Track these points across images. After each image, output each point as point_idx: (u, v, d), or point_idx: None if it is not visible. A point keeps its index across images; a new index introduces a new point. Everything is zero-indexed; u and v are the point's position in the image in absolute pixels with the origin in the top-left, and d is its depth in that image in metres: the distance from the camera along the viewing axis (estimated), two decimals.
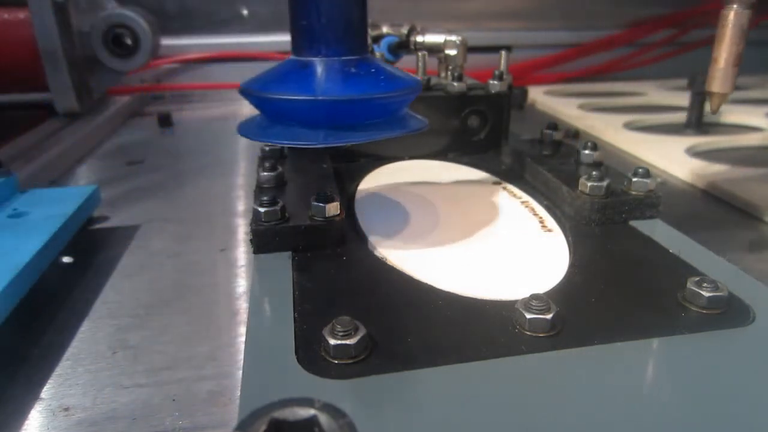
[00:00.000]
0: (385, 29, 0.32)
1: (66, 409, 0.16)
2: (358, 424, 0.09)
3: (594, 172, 0.18)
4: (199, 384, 0.16)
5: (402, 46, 0.30)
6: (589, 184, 0.18)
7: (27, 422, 0.15)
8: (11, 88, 0.46)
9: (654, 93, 0.58)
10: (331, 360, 0.12)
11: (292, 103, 0.14)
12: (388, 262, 0.16)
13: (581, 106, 0.53)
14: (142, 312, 0.21)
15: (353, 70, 0.15)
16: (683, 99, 0.45)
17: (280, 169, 0.20)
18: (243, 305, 0.21)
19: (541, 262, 0.16)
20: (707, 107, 0.43)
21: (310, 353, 0.12)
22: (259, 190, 0.19)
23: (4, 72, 0.44)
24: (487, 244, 0.17)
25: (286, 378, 0.11)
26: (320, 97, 0.14)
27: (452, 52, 0.27)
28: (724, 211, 0.30)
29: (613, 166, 0.22)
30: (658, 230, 0.18)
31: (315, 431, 0.09)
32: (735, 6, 0.19)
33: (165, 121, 0.50)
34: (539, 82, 0.66)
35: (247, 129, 0.16)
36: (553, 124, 0.25)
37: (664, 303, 0.14)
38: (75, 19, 0.45)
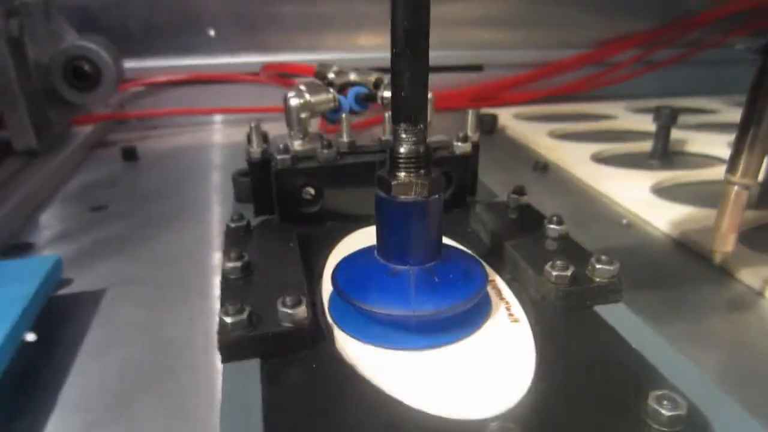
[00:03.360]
0: (352, 76, 0.32)
1: None
2: None
3: (558, 261, 0.18)
4: None
5: (369, 99, 0.30)
6: (555, 273, 0.18)
7: None
8: None
9: (623, 116, 0.59)
10: None
11: (392, 317, 0.17)
12: (358, 371, 0.16)
13: (550, 133, 0.53)
14: (112, 401, 0.20)
15: (436, 279, 0.17)
16: (651, 123, 0.46)
17: (246, 257, 0.19)
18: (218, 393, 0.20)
19: (509, 367, 0.16)
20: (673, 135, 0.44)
21: None
22: (225, 283, 0.19)
23: None
24: (457, 343, 0.17)
25: None
26: (417, 313, 0.16)
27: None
28: (686, 258, 0.31)
29: (577, 241, 0.22)
30: (621, 318, 0.18)
31: None
32: (735, 187, 0.22)
33: (129, 154, 0.49)
34: (511, 101, 0.66)
35: (344, 321, 0.18)
36: (520, 188, 0.25)
37: (628, 419, 0.14)
38: (32, 51, 0.44)
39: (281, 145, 0.24)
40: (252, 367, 0.16)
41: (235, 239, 0.22)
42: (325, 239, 0.23)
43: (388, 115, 0.27)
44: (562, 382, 0.16)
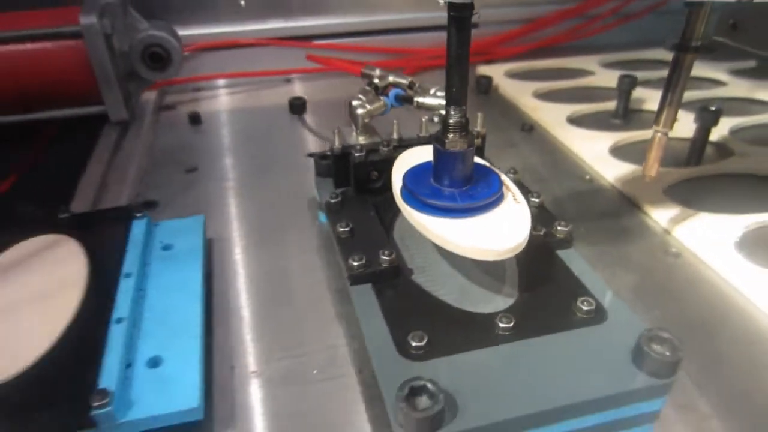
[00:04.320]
0: (391, 78, 0.43)
1: None
2: (440, 381, 0.23)
3: (537, 225, 0.32)
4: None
5: (406, 100, 0.41)
6: (534, 232, 0.32)
7: None
8: (71, 104, 0.55)
9: (599, 72, 0.71)
10: (413, 352, 0.25)
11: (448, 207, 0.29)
12: (425, 289, 0.29)
13: (535, 92, 0.65)
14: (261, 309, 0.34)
15: (470, 191, 0.30)
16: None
17: (350, 224, 0.32)
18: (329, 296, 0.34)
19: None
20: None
21: (403, 350, 0.25)
22: (340, 241, 0.32)
23: (66, 91, 0.54)
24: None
25: (398, 364, 0.25)
26: (460, 206, 0.29)
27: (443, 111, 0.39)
28: (624, 205, 0.44)
29: (548, 209, 0.35)
30: (570, 258, 0.31)
31: (427, 387, 0.22)
32: (658, 134, 0.35)
33: (195, 119, 0.60)
34: (502, 56, 0.77)
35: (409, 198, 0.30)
36: (514, 169, 0.38)
37: (567, 312, 0.28)
38: (117, 42, 0.55)
39: (358, 146, 0.36)
40: (368, 288, 0.29)
41: (335, 210, 0.35)
42: (389, 204, 0.36)
43: (425, 119, 0.39)
44: (535, 292, 0.29)
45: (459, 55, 0.27)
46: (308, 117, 0.61)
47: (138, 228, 0.36)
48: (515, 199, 0.31)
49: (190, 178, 0.49)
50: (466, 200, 0.29)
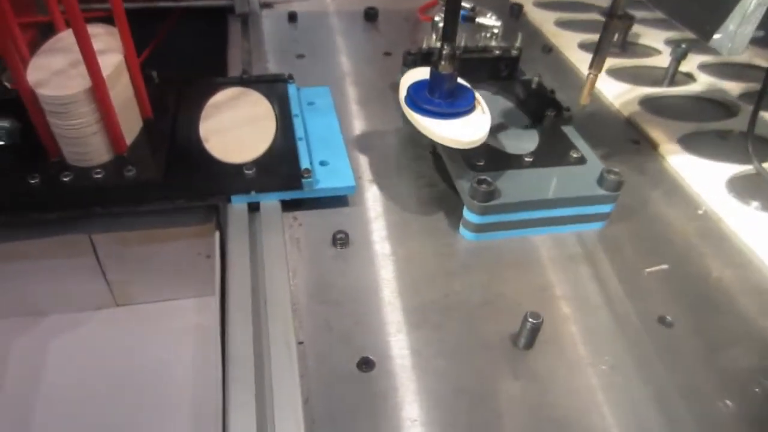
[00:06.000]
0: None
1: None
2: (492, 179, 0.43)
3: (551, 109, 0.51)
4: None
5: (469, 20, 0.60)
6: (547, 114, 0.51)
7: None
8: None
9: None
10: (477, 165, 0.45)
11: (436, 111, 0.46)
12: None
13: (556, 21, 0.83)
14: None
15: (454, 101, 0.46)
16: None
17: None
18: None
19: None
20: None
21: (471, 165, 0.46)
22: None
23: None
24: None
25: (469, 172, 0.45)
26: (443, 110, 0.45)
27: (495, 30, 0.57)
28: (612, 116, 0.63)
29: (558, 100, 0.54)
30: (569, 130, 0.51)
31: (486, 179, 0.42)
32: (591, 75, 0.51)
33: (293, 17, 0.77)
34: None
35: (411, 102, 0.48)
36: (539, 75, 0.56)
37: (564, 156, 0.48)
38: None
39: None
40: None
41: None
42: None
43: (482, 34, 0.57)
44: (546, 145, 0.49)
45: (452, 2, 0.42)
46: (379, 24, 0.79)
47: (292, 89, 0.55)
48: (483, 111, 0.47)
49: (303, 62, 0.67)
50: (447, 107, 0.43)
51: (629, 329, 0.38)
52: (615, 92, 0.65)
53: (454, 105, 0.44)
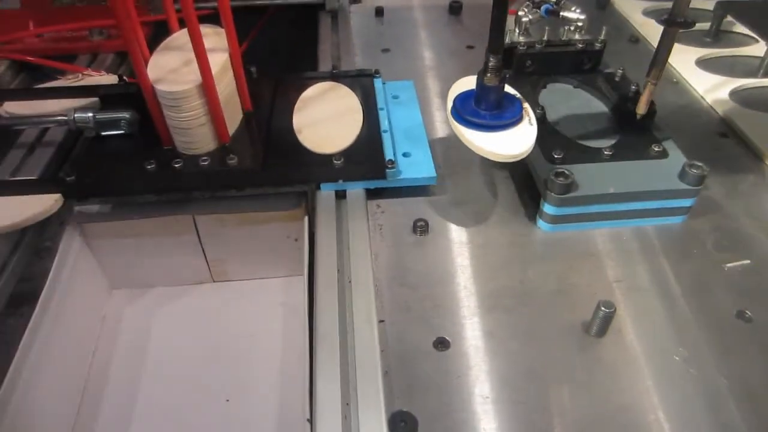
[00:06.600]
0: None
1: None
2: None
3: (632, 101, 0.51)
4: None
5: (553, 13, 0.60)
6: (629, 107, 0.51)
7: None
8: None
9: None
10: (556, 158, 0.46)
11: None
12: (559, 131, 0.50)
13: (645, 11, 0.81)
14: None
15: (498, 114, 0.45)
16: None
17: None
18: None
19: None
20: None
21: (549, 159, 0.47)
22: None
23: None
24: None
25: (547, 164, 0.46)
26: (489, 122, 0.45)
27: (580, 23, 0.58)
28: (699, 105, 0.62)
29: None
30: (653, 124, 0.51)
31: (564, 172, 0.43)
32: (650, 84, 0.51)
33: (379, 12, 0.80)
34: None
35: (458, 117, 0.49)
36: (623, 74, 0.56)
37: (645, 150, 0.48)
38: None
39: (521, 43, 0.55)
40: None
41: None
42: (535, 82, 0.56)
43: (566, 28, 0.57)
44: (627, 139, 0.49)
45: (498, 16, 0.40)
46: (463, 18, 0.80)
47: (378, 84, 0.58)
48: (530, 123, 0.46)
49: (388, 55, 0.70)
50: (491, 119, 0.43)
51: (705, 323, 0.39)
52: (705, 84, 0.64)
53: (500, 117, 0.44)
